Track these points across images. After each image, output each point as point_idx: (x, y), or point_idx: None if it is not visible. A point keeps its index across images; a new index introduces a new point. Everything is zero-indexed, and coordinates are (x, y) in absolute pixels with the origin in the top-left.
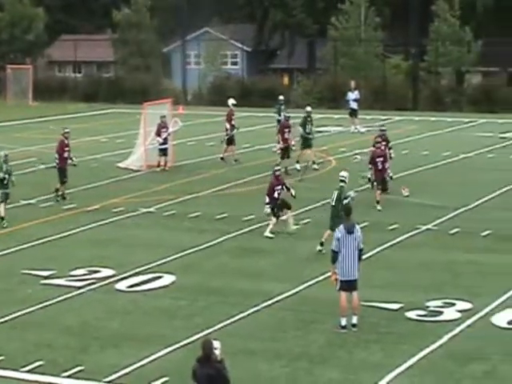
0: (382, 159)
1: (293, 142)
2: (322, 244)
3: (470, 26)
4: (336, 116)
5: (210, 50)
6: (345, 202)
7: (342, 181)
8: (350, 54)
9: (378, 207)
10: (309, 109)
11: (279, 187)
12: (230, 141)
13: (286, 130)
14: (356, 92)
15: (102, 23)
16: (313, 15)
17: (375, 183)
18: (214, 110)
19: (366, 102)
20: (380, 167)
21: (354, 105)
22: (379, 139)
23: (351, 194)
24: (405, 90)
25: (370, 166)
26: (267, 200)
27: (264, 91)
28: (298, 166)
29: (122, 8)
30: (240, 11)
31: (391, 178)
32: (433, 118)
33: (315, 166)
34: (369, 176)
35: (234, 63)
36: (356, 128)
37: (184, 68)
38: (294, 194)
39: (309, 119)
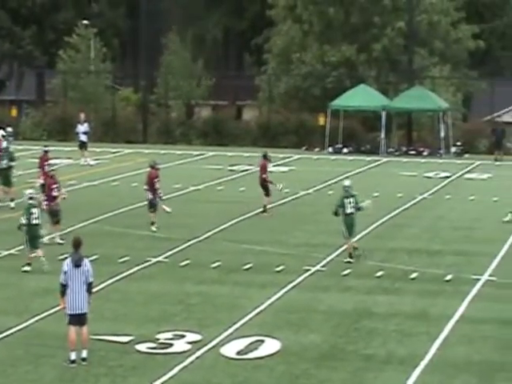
0: (157, 179)
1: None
2: None
3: (201, 60)
4: (66, 149)
5: None
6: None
7: (30, 198)
8: (79, 86)
9: (153, 228)
10: (5, 144)
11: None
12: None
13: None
14: (86, 124)
15: None
16: (42, 46)
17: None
18: None
19: (96, 135)
20: (155, 187)
21: (83, 137)
22: (156, 161)
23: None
24: (135, 122)
25: (146, 186)
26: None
27: None
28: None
29: None
30: None
31: (161, 198)
32: (162, 151)
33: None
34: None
35: None
36: (86, 160)
37: None
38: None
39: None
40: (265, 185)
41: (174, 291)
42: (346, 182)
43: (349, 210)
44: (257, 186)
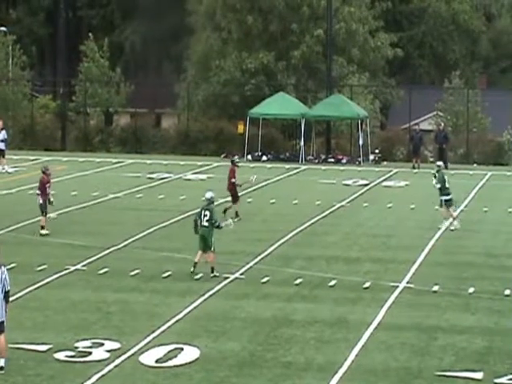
0: (48, 185)
1: None
2: None
3: (120, 67)
4: None
5: None
6: None
7: None
8: None
9: (43, 232)
10: None
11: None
12: None
13: None
14: (3, 132)
15: None
16: None
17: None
18: None
19: (14, 142)
20: (47, 192)
21: (0, 145)
22: (47, 167)
23: None
24: (53, 130)
25: (38, 191)
26: None
27: None
28: None
29: None
30: None
31: (51, 202)
32: (81, 159)
33: None
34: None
35: None
36: (3, 168)
37: None
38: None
39: None
40: (233, 191)
41: (92, 299)
42: (208, 195)
43: (202, 223)
44: (175, 193)
